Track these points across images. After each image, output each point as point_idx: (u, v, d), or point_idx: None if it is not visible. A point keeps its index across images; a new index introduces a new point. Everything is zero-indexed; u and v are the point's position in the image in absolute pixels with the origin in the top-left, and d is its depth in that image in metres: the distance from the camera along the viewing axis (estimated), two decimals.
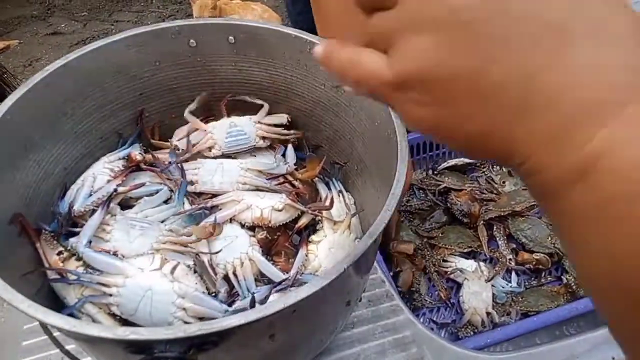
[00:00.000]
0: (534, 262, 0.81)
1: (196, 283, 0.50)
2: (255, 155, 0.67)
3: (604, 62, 0.19)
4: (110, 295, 0.48)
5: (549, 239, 0.82)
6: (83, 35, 2.56)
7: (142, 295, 0.47)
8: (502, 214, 0.85)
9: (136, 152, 0.60)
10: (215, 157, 0.64)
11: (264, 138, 0.66)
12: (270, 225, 0.57)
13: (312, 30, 0.57)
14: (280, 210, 0.57)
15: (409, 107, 0.23)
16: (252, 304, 0.48)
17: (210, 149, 0.64)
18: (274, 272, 0.53)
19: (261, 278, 0.54)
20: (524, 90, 0.20)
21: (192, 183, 0.60)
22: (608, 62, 0.19)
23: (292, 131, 0.67)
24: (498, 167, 0.95)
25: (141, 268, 0.49)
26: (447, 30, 0.20)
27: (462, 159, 0.95)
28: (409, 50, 0.22)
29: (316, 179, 0.64)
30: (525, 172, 0.21)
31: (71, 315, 0.47)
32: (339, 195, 0.62)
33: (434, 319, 0.79)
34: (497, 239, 0.85)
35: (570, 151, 0.19)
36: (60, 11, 2.72)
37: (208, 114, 0.67)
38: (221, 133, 0.64)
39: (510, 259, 0.82)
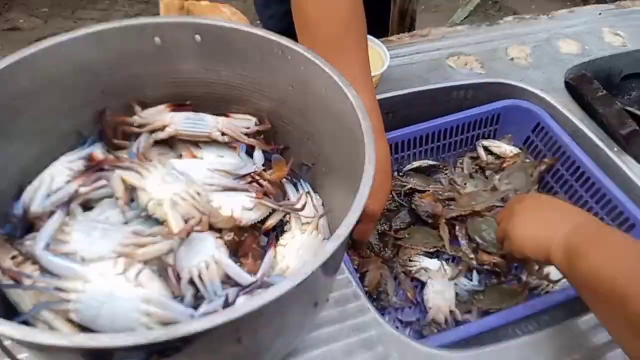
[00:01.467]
0: (492, 264, 0.83)
1: (161, 288, 0.49)
2: (222, 156, 0.66)
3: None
4: (69, 301, 0.46)
5: None
6: (43, 32, 2.47)
7: (103, 302, 0.45)
8: (462, 213, 0.88)
9: (98, 152, 0.58)
10: (167, 138, 0.62)
11: (223, 134, 0.64)
12: (241, 225, 0.56)
13: (282, 33, 0.57)
14: (250, 209, 0.57)
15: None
16: (226, 306, 0.47)
17: (164, 127, 0.62)
18: (241, 275, 0.52)
19: (227, 280, 0.53)
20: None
21: None
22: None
23: (253, 139, 0.66)
24: (460, 169, 0.98)
25: (102, 273, 0.47)
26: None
27: (425, 160, 0.97)
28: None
29: (284, 179, 0.64)
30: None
31: (25, 322, 0.45)
32: (306, 196, 0.62)
33: (400, 317, 0.80)
34: (459, 238, 0.87)
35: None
36: (20, 6, 2.61)
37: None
38: (179, 116, 0.63)
39: (472, 258, 0.85)
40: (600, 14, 1.17)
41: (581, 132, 0.91)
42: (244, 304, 0.34)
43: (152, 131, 0.62)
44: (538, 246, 0.62)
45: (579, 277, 0.54)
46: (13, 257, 0.48)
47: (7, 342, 0.45)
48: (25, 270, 0.48)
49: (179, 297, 0.50)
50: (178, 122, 0.63)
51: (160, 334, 0.32)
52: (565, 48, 1.07)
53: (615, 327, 0.50)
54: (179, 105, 0.64)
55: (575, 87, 0.97)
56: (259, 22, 1.48)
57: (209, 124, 0.64)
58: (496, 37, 1.08)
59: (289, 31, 0.63)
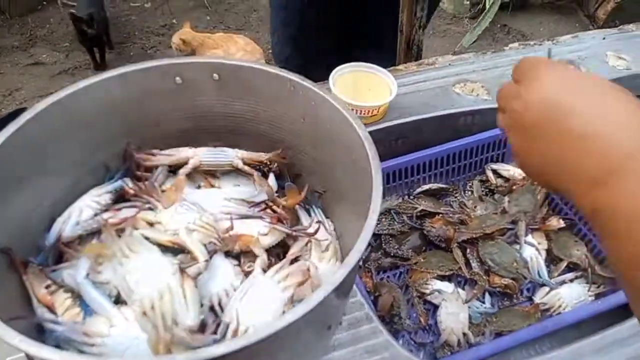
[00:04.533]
0: (503, 286, 0.84)
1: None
2: (239, 185, 0.69)
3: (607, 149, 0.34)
4: (93, 345, 0.47)
5: (514, 264, 0.85)
6: (65, 65, 2.57)
7: (128, 345, 0.47)
8: (473, 236, 0.89)
9: (129, 186, 0.62)
10: (191, 172, 0.66)
11: (244, 163, 0.68)
12: (256, 248, 0.59)
13: (288, 57, 0.61)
14: (265, 235, 0.60)
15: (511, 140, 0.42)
16: None
17: (187, 160, 0.66)
18: None
19: None
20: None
21: None
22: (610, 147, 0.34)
23: (271, 154, 0.69)
24: (470, 192, 1.00)
25: (128, 318, 0.49)
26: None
27: (436, 183, 0.99)
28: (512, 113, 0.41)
29: (297, 206, 0.67)
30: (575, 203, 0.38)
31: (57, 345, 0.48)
32: (318, 222, 0.65)
33: (414, 339, 0.81)
34: (471, 260, 0.88)
35: (587, 201, 0.36)
36: (42, 42, 2.73)
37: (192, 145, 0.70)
38: (201, 150, 0.67)
39: (486, 279, 0.86)
40: (604, 38, 1.20)
41: None
42: (261, 329, 0.37)
43: (178, 166, 0.67)
44: (558, 188, 0.40)
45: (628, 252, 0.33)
46: (47, 287, 0.52)
47: None
48: (58, 298, 0.51)
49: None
50: (200, 154, 0.67)
51: (185, 357, 0.34)
52: None
53: None
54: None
55: None
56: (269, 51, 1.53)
57: (229, 154, 0.68)
58: (502, 64, 1.11)
59: (293, 54, 0.67)
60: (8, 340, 0.36)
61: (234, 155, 0.69)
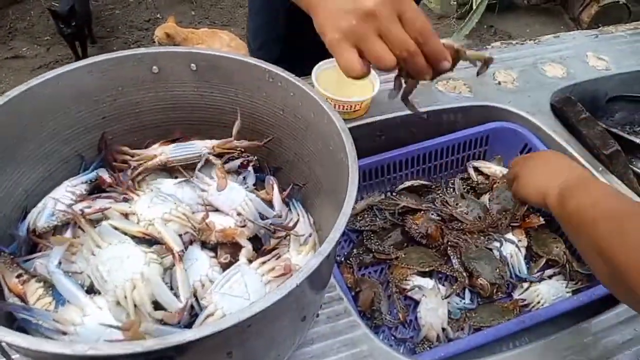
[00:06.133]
0: (478, 287, 0.85)
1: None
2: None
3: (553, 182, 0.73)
4: (65, 333, 0.47)
5: (497, 270, 0.86)
6: (46, 59, 2.54)
7: (101, 334, 0.47)
8: (456, 234, 0.90)
9: (106, 175, 0.61)
10: (159, 167, 0.65)
11: (217, 155, 0.67)
12: (233, 241, 0.58)
13: (273, 62, 0.61)
14: (243, 227, 0.59)
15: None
16: None
17: (154, 156, 0.65)
18: None
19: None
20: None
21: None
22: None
23: (248, 142, 0.68)
24: (452, 190, 1.01)
25: (101, 306, 0.49)
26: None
27: (418, 180, 1.00)
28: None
29: (275, 200, 0.67)
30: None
31: (21, 329, 0.47)
32: (298, 215, 0.65)
33: (394, 335, 0.82)
34: (452, 257, 0.89)
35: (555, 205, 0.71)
36: (22, 35, 2.69)
37: (169, 137, 0.69)
38: (168, 147, 0.66)
39: (465, 276, 0.86)
40: (586, 37, 1.22)
41: (567, 152, 0.94)
42: (232, 316, 0.37)
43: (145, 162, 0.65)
44: (538, 192, 0.75)
45: (566, 214, 0.67)
46: (18, 276, 0.51)
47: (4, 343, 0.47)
48: (30, 288, 0.50)
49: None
50: (167, 150, 0.66)
51: (155, 343, 0.34)
52: (550, 72, 1.11)
53: (588, 252, 0.62)
54: (172, 140, 0.68)
55: (560, 109, 1.01)
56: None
57: (197, 146, 0.67)
58: None
59: (280, 60, 0.67)
60: None
61: (201, 147, 0.67)
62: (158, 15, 2.86)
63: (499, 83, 1.07)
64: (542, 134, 0.98)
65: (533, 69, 1.11)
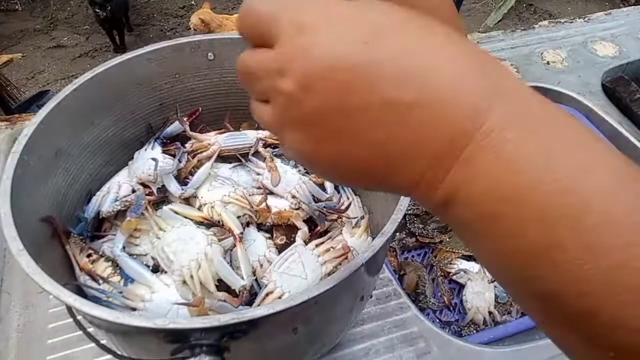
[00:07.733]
0: None
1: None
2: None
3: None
4: (135, 309, 0.49)
5: None
6: (85, 48, 2.61)
7: (168, 309, 0.49)
8: None
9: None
10: (212, 156, 0.66)
11: (267, 145, 0.68)
12: (289, 223, 0.59)
13: None
14: (297, 209, 0.60)
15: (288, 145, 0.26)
16: None
17: (208, 145, 0.66)
18: None
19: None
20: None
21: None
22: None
23: None
24: None
25: (168, 284, 0.51)
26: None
27: None
28: (279, 101, 0.25)
29: (327, 183, 0.68)
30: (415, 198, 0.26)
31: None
32: (348, 199, 0.66)
33: (439, 318, 0.82)
34: None
35: (434, 192, 0.24)
36: (63, 25, 2.77)
37: (219, 123, 0.70)
38: (222, 136, 0.67)
39: None
40: None
41: (619, 134, 0.91)
42: (301, 294, 0.38)
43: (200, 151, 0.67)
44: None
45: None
46: (88, 255, 0.54)
47: (90, 329, 0.50)
48: (99, 267, 0.53)
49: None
50: (220, 140, 0.67)
51: (231, 317, 0.36)
52: (601, 51, 1.07)
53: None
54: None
55: (613, 89, 0.97)
56: None
57: (249, 137, 0.68)
58: (531, 42, 1.09)
59: None
60: (63, 300, 0.37)
61: (254, 137, 0.68)
62: (192, 2, 2.89)
63: (548, 63, 1.04)
64: (593, 115, 0.95)
65: (583, 48, 1.08)
